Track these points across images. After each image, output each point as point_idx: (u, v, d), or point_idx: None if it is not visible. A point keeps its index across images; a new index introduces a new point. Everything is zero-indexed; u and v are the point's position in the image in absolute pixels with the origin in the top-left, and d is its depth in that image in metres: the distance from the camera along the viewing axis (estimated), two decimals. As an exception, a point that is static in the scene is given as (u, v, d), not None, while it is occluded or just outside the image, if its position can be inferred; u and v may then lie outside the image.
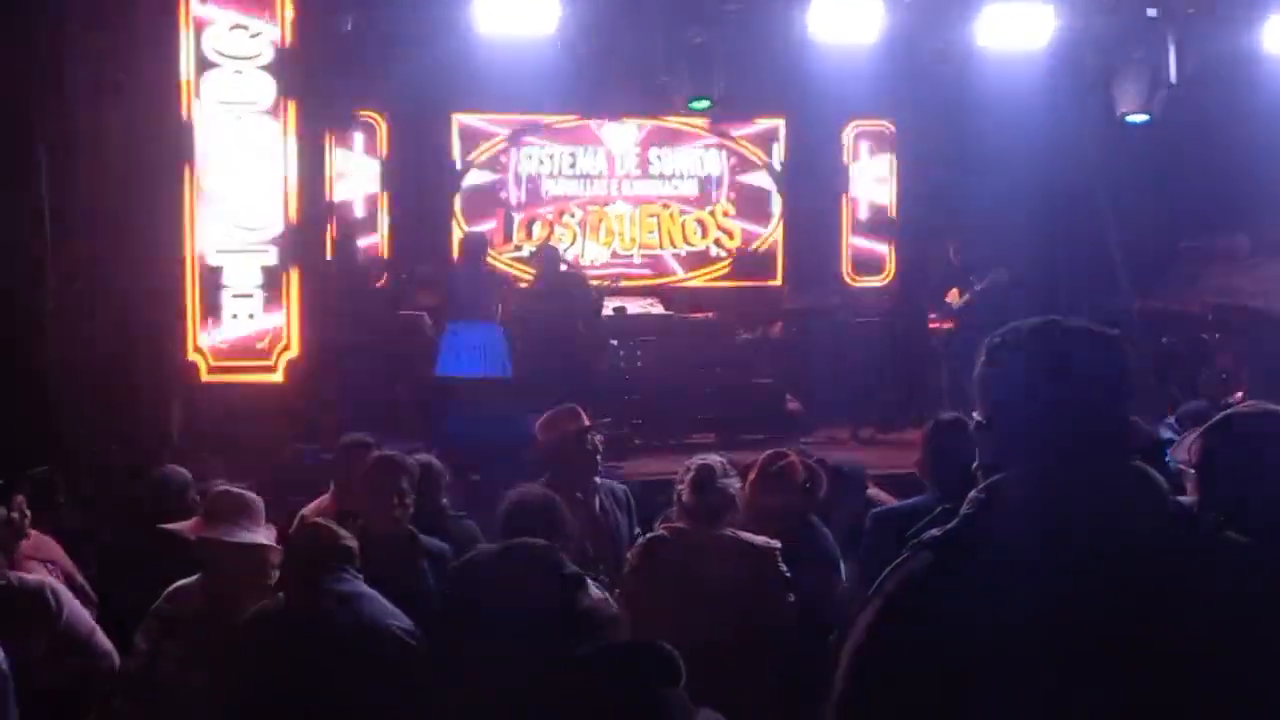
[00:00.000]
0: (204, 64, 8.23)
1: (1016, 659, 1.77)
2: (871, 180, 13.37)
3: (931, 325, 11.12)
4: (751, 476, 4.87)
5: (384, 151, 12.21)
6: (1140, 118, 10.30)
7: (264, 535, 4.15)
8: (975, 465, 1.98)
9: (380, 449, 5.74)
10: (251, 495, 4.30)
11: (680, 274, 12.98)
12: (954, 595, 1.82)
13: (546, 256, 10.68)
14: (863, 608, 1.91)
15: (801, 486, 4.88)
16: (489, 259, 10.53)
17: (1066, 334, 1.95)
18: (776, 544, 4.46)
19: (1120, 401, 1.94)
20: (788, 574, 4.43)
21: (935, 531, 1.90)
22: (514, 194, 12.65)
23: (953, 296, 10.79)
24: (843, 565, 4.82)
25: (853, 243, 13.35)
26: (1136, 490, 1.87)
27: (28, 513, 4.58)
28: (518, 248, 12.52)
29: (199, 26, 8.22)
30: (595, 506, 5.54)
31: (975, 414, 2.00)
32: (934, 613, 1.82)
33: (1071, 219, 12.45)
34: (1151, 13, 9.92)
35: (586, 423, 5.71)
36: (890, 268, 13.23)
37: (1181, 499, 1.91)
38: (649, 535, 4.66)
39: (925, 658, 1.81)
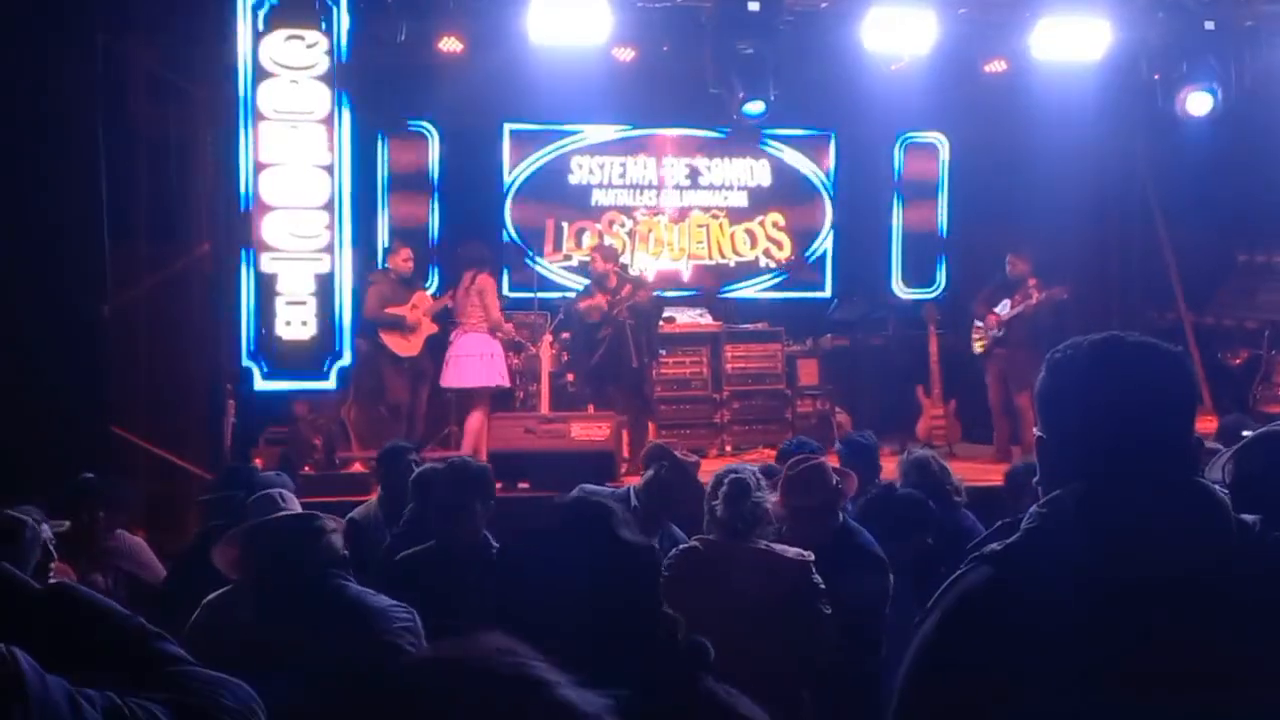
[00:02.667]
0: (261, 73, 8.33)
1: (1074, 676, 1.76)
2: (922, 192, 13.30)
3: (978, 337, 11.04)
4: (782, 479, 4.86)
5: (435, 161, 12.30)
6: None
7: None
8: (1035, 479, 1.98)
9: (420, 455, 5.79)
10: (290, 496, 4.36)
11: (729, 285, 12.96)
12: (1012, 610, 1.81)
13: (607, 257, 10.68)
14: (923, 620, 1.90)
15: (833, 486, 4.86)
16: (490, 270, 10.51)
17: (1129, 349, 1.94)
18: (810, 555, 4.44)
19: (1183, 418, 1.93)
20: (821, 585, 4.40)
21: (995, 545, 1.89)
22: (564, 203, 12.70)
23: (1002, 309, 10.72)
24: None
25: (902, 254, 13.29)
26: (1198, 508, 1.86)
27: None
28: (566, 257, 12.56)
29: (256, 36, 8.31)
30: None
31: (1036, 428, 1.99)
32: (992, 627, 1.81)
33: (1125, 232, 12.36)
34: (1209, 24, 9.81)
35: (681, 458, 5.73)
36: (942, 280, 13.16)
37: (1246, 517, 1.88)
38: (682, 546, 4.66)
39: (983, 673, 1.80)
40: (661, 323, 10.91)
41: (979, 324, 10.88)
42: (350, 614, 3.59)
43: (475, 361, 10.07)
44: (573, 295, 10.95)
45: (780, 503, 4.72)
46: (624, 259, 11.63)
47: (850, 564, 4.60)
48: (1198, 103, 10.00)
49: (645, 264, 12.37)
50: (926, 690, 1.87)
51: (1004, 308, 10.73)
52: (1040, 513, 1.89)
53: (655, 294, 10.72)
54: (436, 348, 10.43)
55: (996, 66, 10.92)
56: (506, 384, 10.40)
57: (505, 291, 12.08)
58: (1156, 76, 10.31)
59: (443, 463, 5.24)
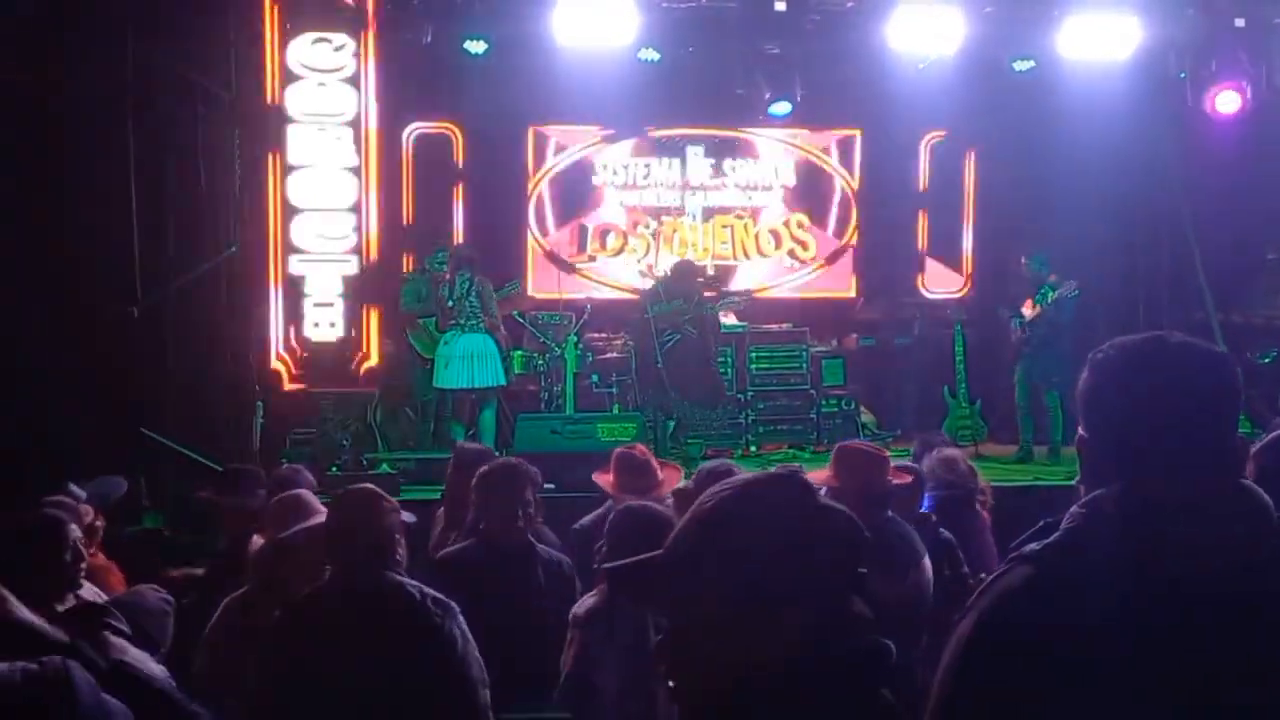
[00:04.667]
0: (289, 76, 8.37)
1: (1113, 676, 1.76)
2: (947, 191, 13.25)
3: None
4: (835, 457, 4.81)
5: (460, 162, 12.33)
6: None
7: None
8: (1076, 479, 1.97)
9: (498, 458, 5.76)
10: (309, 495, 4.40)
11: (752, 285, 12.95)
12: (1051, 610, 1.80)
13: (681, 270, 10.69)
14: (961, 619, 1.90)
15: (886, 478, 4.77)
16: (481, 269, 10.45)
17: (1173, 348, 1.92)
18: None
19: (1226, 419, 1.92)
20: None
21: (1034, 545, 1.89)
22: (588, 204, 12.71)
23: (1027, 308, 10.68)
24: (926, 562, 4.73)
25: (927, 254, 13.25)
26: (1241, 508, 1.85)
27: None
28: (591, 258, 12.57)
29: (284, 40, 8.35)
30: None
31: (1079, 427, 1.98)
32: (1031, 627, 1.81)
33: (1152, 230, 12.29)
34: (1239, 22, 9.76)
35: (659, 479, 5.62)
36: (967, 279, 13.12)
37: None
38: None
39: (1022, 672, 1.80)
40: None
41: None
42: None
43: (473, 362, 9.98)
44: (641, 302, 10.92)
45: (831, 477, 4.69)
46: (649, 260, 11.65)
47: (889, 558, 4.56)
48: (1227, 101, 9.95)
49: (669, 264, 12.34)
50: (964, 690, 1.86)
51: (1027, 309, 10.70)
52: (1080, 512, 1.88)
53: (718, 301, 10.71)
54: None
55: (1023, 65, 10.88)
56: (504, 383, 10.24)
57: (530, 292, 12.13)
58: (1184, 74, 10.25)
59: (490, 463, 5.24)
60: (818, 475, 4.83)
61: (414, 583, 3.84)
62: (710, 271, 12.64)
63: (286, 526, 4.18)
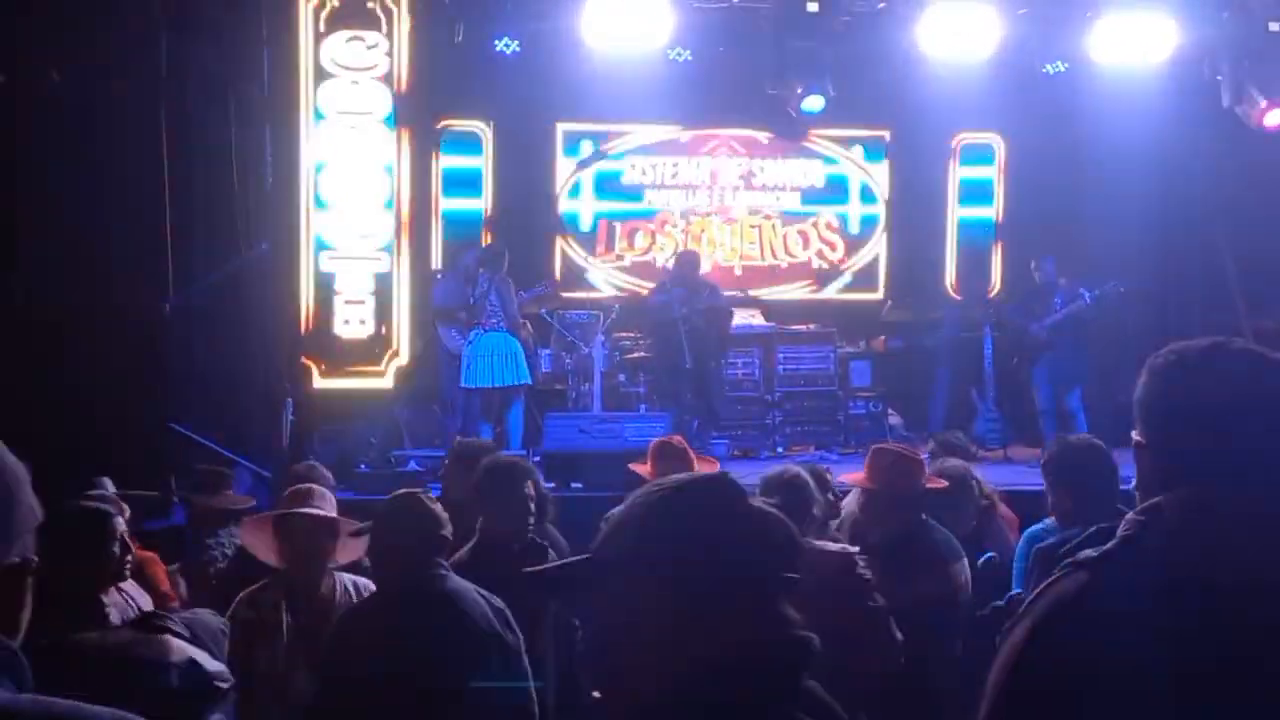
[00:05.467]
0: (321, 74, 8.40)
1: (1171, 685, 1.74)
2: (977, 194, 13.20)
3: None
4: (869, 458, 4.80)
5: (490, 160, 12.34)
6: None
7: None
8: (1134, 485, 1.96)
9: (496, 453, 5.81)
10: (323, 488, 4.49)
11: (781, 286, 12.93)
12: (1108, 617, 1.79)
13: (686, 262, 10.65)
14: (1013, 626, 1.89)
15: (920, 479, 4.75)
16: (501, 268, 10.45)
17: (1235, 355, 1.91)
18: (854, 549, 4.39)
19: None
20: (868, 578, 4.33)
21: (1090, 552, 1.87)
22: (616, 203, 12.70)
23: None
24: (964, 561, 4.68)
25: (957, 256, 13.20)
26: None
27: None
28: (619, 257, 12.58)
29: (318, 38, 8.38)
30: None
31: (1134, 434, 1.97)
32: (1087, 634, 1.79)
33: (1183, 234, 12.20)
34: (1275, 26, 9.68)
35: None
36: (997, 282, 13.06)
37: None
38: None
39: (1077, 681, 1.78)
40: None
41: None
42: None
43: (496, 361, 10.01)
44: (645, 294, 10.95)
45: (865, 479, 4.67)
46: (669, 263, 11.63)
47: (920, 560, 4.53)
48: (1275, 118, 9.88)
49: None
50: (1017, 697, 1.85)
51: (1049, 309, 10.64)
52: (1138, 519, 1.86)
53: (728, 296, 10.67)
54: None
55: (1056, 67, 10.82)
56: (528, 381, 10.26)
57: (557, 290, 12.13)
58: (1220, 77, 10.17)
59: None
60: (852, 476, 4.82)
61: (474, 587, 3.89)
62: (738, 273, 12.65)
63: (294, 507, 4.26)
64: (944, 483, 5.02)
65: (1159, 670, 1.74)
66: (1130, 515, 1.88)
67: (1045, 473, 4.65)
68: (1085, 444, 4.67)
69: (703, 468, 5.82)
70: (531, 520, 4.73)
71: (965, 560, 4.66)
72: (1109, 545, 1.86)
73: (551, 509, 5.19)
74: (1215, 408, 1.86)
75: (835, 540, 4.77)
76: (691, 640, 1.64)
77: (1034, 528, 4.88)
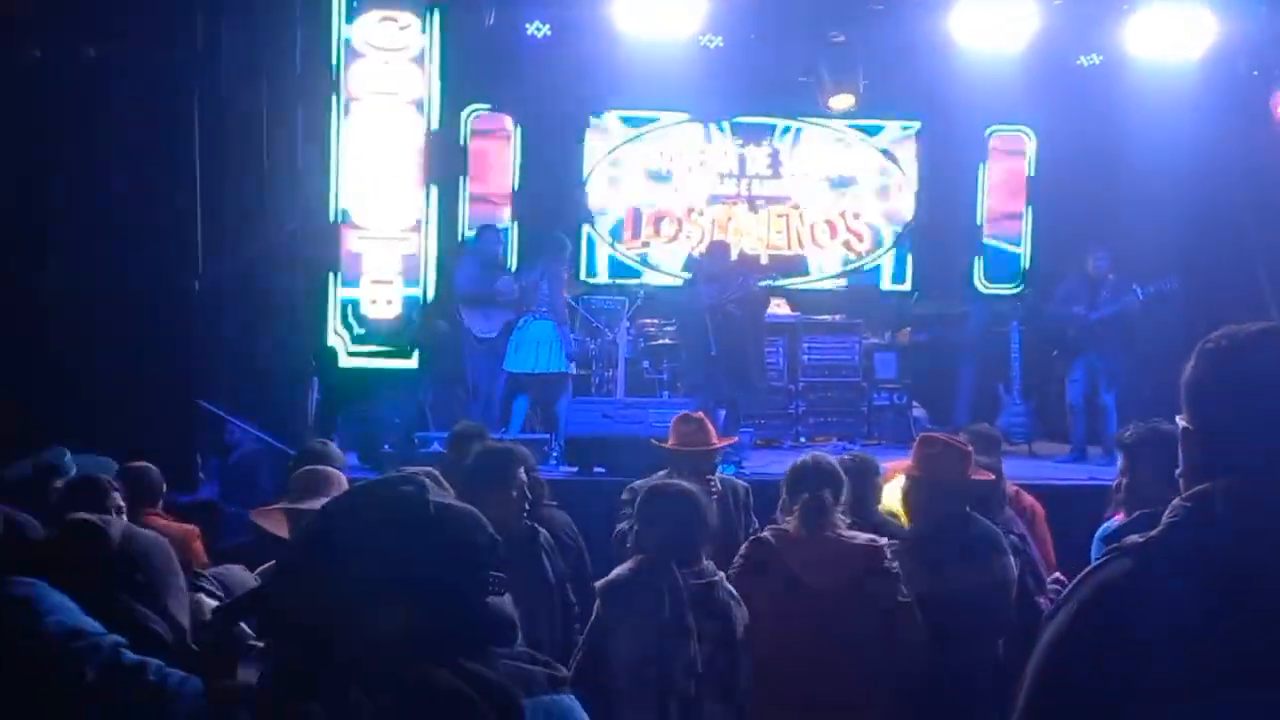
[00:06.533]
0: (353, 54, 8.41)
1: (1215, 673, 1.73)
2: (1007, 186, 13.13)
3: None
4: (916, 446, 4.77)
5: (517, 144, 12.35)
6: None
7: None
8: (1179, 472, 1.94)
9: (490, 438, 5.82)
10: (333, 471, 4.40)
11: (809, 275, 12.89)
12: (1152, 604, 1.77)
13: (716, 253, 10.61)
14: (1056, 610, 1.87)
15: (966, 470, 4.70)
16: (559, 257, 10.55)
17: None
18: (882, 541, 4.38)
19: None
20: (896, 571, 4.31)
21: (1136, 537, 1.85)
22: (644, 192, 12.68)
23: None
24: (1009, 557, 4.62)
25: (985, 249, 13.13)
26: None
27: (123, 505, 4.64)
28: (645, 244, 12.57)
29: (350, 18, 8.39)
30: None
31: (1180, 419, 1.95)
32: (1130, 621, 1.78)
33: (1216, 231, 12.09)
34: (1312, 21, 9.60)
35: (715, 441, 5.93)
36: (1024, 275, 12.99)
37: None
38: (753, 538, 4.62)
39: (1120, 667, 1.77)
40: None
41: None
42: None
43: (542, 347, 10.08)
44: (679, 285, 10.93)
45: (911, 467, 4.65)
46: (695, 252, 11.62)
47: (963, 550, 4.50)
48: None
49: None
50: (1059, 683, 1.83)
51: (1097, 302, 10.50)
52: (1185, 506, 1.84)
53: (763, 284, 10.63)
54: (507, 331, 10.48)
55: (1090, 60, 10.74)
56: (571, 369, 10.35)
57: (584, 277, 12.14)
58: (1256, 73, 10.08)
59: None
60: (897, 464, 4.79)
61: None
62: (764, 261, 12.60)
63: (303, 499, 4.19)
64: (990, 475, 4.96)
65: (1202, 656, 1.73)
66: (1175, 502, 1.86)
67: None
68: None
69: (722, 445, 6.11)
70: (527, 506, 4.70)
71: (1011, 557, 4.60)
72: (1155, 531, 1.84)
73: (544, 491, 5.22)
74: (1265, 392, 1.84)
75: (877, 526, 4.76)
76: (368, 627, 1.71)
77: (1110, 525, 4.56)
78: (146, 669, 1.68)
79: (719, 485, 5.85)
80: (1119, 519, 4.14)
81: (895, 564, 4.33)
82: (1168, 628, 1.74)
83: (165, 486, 5.45)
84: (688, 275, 10.98)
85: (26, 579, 1.76)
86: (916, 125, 12.80)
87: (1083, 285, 10.63)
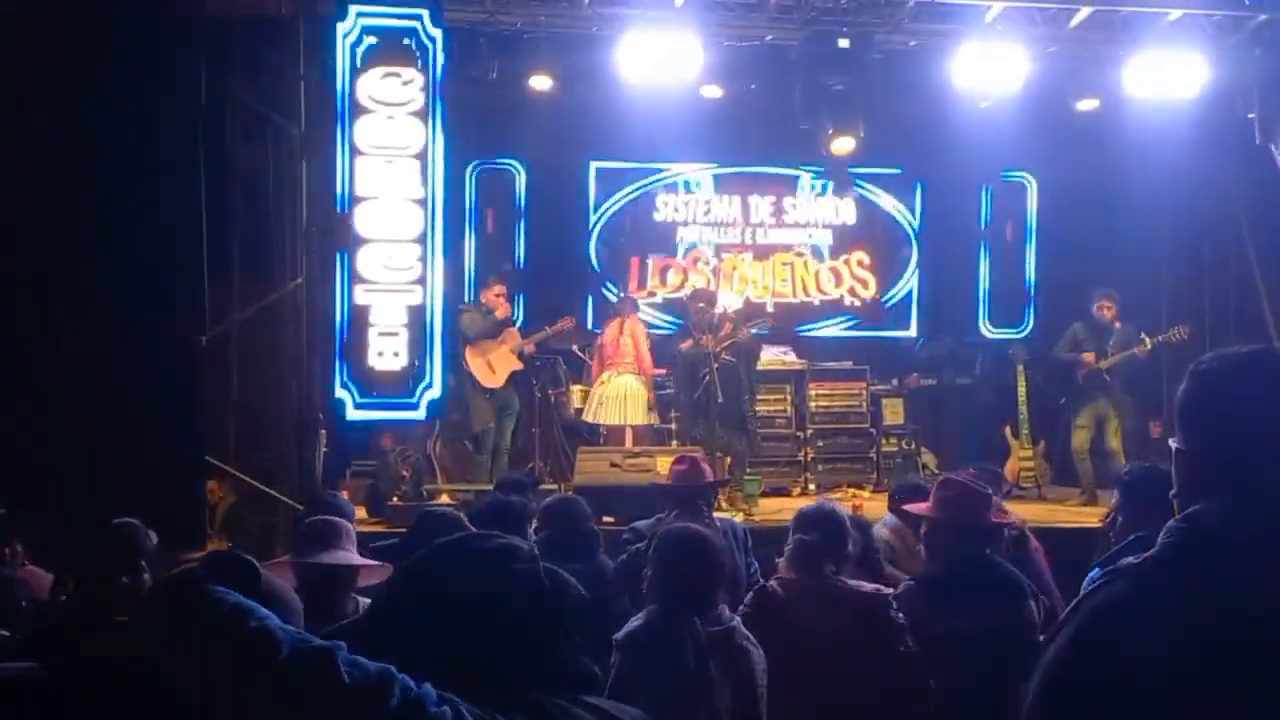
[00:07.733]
0: (358, 109, 8.49)
1: (1214, 696, 1.72)
2: (1010, 231, 13.18)
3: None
4: (936, 486, 4.73)
5: (523, 196, 12.44)
6: None
7: (355, 556, 4.19)
8: (1173, 493, 1.94)
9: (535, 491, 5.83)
10: (342, 522, 4.36)
11: (813, 323, 12.91)
12: (1149, 626, 1.77)
13: (697, 298, 10.69)
14: (1055, 633, 1.87)
15: (986, 512, 4.64)
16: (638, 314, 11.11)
17: (1278, 362, 1.89)
18: (888, 590, 4.34)
19: None
20: (902, 622, 4.27)
21: (1131, 559, 1.85)
22: (649, 240, 12.74)
23: (1089, 359, 10.52)
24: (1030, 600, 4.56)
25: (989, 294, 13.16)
26: None
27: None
28: (651, 294, 12.61)
29: (354, 73, 8.47)
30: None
31: (1173, 441, 1.95)
32: (1128, 644, 1.77)
33: (1218, 271, 12.11)
34: (1308, 61, 9.65)
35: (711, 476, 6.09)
36: (1030, 320, 13.01)
37: None
38: (759, 586, 4.59)
39: (1119, 690, 1.76)
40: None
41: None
42: None
43: (625, 402, 10.66)
44: (671, 335, 11.07)
45: (930, 509, 4.62)
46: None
47: (983, 593, 4.44)
48: None
49: (729, 302, 12.37)
50: (1059, 707, 1.82)
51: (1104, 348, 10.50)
52: (1180, 527, 1.84)
53: (754, 332, 10.67)
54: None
55: (1088, 104, 10.80)
56: (657, 422, 10.93)
57: (589, 327, 12.17)
58: (1252, 115, 10.12)
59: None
60: (918, 507, 4.75)
61: None
62: (769, 309, 12.62)
63: (311, 551, 4.14)
64: (1012, 517, 4.91)
65: (1199, 680, 1.72)
66: (1170, 523, 1.86)
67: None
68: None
69: (714, 481, 6.34)
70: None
71: (1033, 601, 4.52)
72: (1150, 553, 1.84)
73: None
74: (1261, 413, 1.84)
75: (886, 578, 4.72)
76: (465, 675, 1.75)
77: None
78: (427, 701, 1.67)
79: (716, 524, 5.84)
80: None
81: (900, 614, 4.30)
82: (1167, 648, 1.74)
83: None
84: (680, 322, 11.11)
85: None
86: (919, 171, 12.86)
87: (1089, 331, 10.65)
